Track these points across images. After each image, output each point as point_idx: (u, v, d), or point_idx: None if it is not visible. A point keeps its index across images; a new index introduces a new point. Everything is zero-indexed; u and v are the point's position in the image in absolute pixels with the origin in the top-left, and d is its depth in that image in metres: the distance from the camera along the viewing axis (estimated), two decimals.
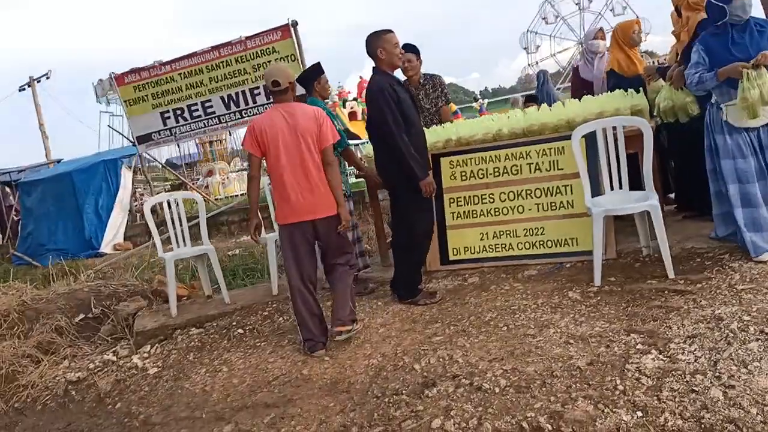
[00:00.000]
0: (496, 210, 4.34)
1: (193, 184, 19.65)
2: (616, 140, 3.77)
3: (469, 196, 4.41)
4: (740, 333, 2.79)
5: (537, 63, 38.83)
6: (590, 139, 3.91)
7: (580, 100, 4.60)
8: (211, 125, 11.03)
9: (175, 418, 3.39)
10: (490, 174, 4.33)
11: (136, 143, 11.49)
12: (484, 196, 4.36)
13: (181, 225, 4.82)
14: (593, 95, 4.96)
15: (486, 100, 30.16)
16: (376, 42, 3.91)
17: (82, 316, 4.90)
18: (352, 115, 20.41)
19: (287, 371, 3.54)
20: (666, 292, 3.41)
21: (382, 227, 4.96)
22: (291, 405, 3.17)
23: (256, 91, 10.38)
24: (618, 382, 2.65)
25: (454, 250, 4.46)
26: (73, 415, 3.78)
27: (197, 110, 10.85)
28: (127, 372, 4.08)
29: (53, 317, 4.78)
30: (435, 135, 4.50)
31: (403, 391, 3.02)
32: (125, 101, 11.22)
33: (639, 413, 2.43)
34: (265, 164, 3.72)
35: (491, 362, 3.06)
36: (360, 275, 4.53)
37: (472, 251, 4.40)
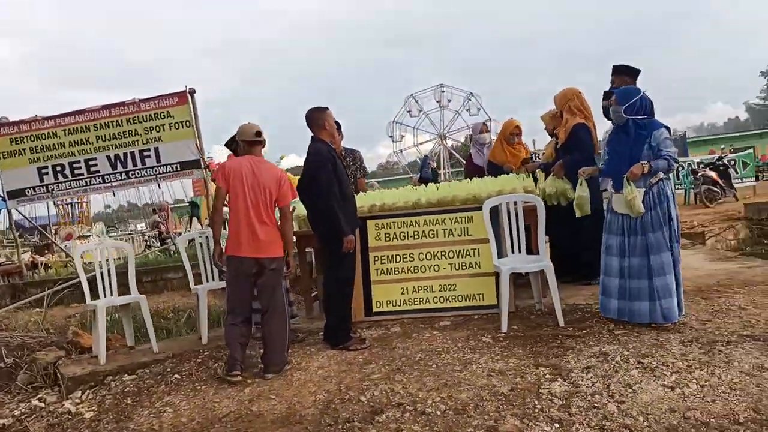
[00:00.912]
0: (416, 267, 4.99)
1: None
2: (516, 213, 4.62)
3: (392, 255, 5.03)
4: (623, 363, 3.58)
5: (401, 151, 41.39)
6: (494, 211, 4.73)
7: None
8: (94, 184, 10.73)
9: None
10: (411, 236, 5.00)
11: (6, 198, 10.88)
12: (404, 255, 5.00)
13: (109, 275, 4.90)
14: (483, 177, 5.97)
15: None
16: (322, 116, 4.55)
17: None
18: None
19: (236, 409, 3.79)
20: (560, 336, 4.18)
21: (308, 282, 5.39)
22: None
23: (146, 153, 10.37)
24: (536, 402, 3.29)
25: (378, 303, 5.01)
26: None
27: (80, 168, 10.55)
28: (59, 417, 4.04)
29: None
30: (362, 200, 5.11)
31: (354, 419, 3.43)
32: None
33: (556, 425, 3.06)
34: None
35: (429, 392, 3.58)
36: (290, 324, 4.90)
37: (394, 304, 4.98)
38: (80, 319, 7.49)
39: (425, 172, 11.77)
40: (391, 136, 40.88)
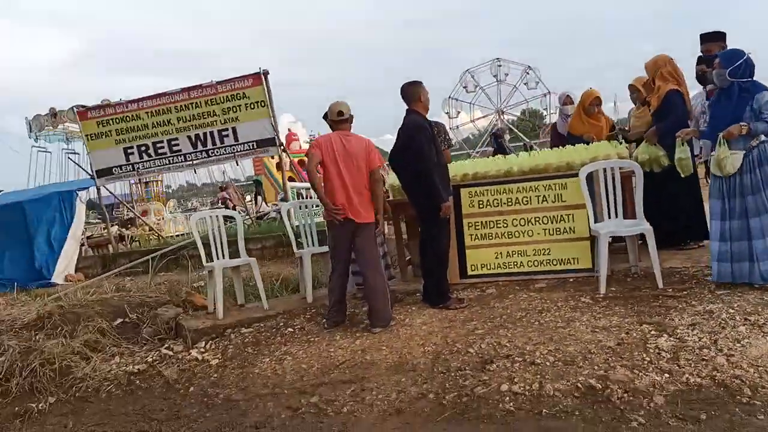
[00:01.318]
0: (509, 233, 5.16)
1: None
2: (613, 178, 4.71)
3: (486, 221, 5.21)
4: (729, 321, 3.68)
5: (458, 127, 41.08)
6: (588, 177, 4.84)
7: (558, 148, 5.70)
8: (176, 162, 11.32)
9: (257, 394, 3.86)
10: (504, 203, 5.16)
11: (95, 177, 11.57)
12: (498, 222, 5.18)
13: (220, 239, 5.29)
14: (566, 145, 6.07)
15: None
16: (418, 89, 4.79)
17: (120, 320, 5.21)
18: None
19: (350, 358, 4.10)
20: (661, 297, 4.29)
21: (402, 247, 5.65)
22: (366, 381, 3.74)
23: (224, 132, 10.86)
24: (644, 355, 3.44)
25: (472, 266, 5.23)
26: (145, 399, 4.13)
27: (163, 147, 11.14)
28: (188, 363, 4.48)
29: (93, 320, 5.06)
30: (454, 169, 5.31)
31: (466, 368, 3.67)
32: (87, 135, 11.40)
33: (666, 375, 3.21)
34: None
35: (536, 345, 3.78)
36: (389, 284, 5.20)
37: (489, 267, 5.19)
38: (179, 283, 8.00)
39: (500, 144, 11.56)
40: (447, 113, 40.66)
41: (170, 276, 8.54)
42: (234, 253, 5.47)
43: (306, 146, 23.42)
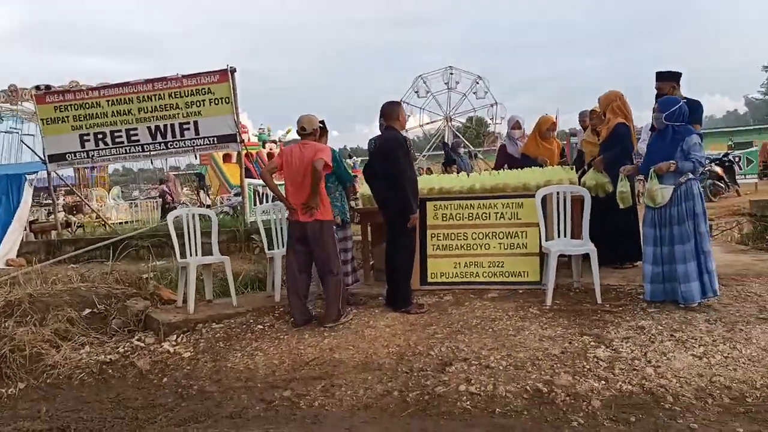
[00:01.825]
0: (468, 245, 5.59)
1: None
2: (564, 202, 5.20)
3: (447, 233, 5.62)
4: (658, 336, 4.20)
5: (406, 131, 41.82)
6: (542, 199, 5.31)
7: (504, 170, 6.37)
8: (133, 152, 11.28)
9: (230, 387, 4.12)
10: (465, 218, 5.59)
11: (47, 161, 11.40)
12: (459, 234, 5.60)
13: (194, 237, 5.49)
14: (516, 167, 6.60)
15: (359, 159, 32.10)
16: (397, 109, 5.22)
17: (88, 310, 5.33)
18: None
19: (319, 355, 4.41)
20: (599, 311, 4.79)
21: (367, 252, 6.00)
22: (335, 378, 4.06)
23: (185, 126, 10.90)
24: (584, 363, 3.90)
25: (432, 274, 5.63)
26: (118, 388, 4.32)
27: (120, 137, 11.08)
28: (160, 355, 4.68)
29: (63, 309, 5.17)
30: (422, 183, 5.70)
31: (427, 369, 4.05)
32: (42, 120, 11.25)
33: (603, 382, 3.68)
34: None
35: (490, 350, 4.19)
36: (350, 289, 5.53)
37: (447, 276, 5.60)
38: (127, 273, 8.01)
39: (449, 155, 11.92)
40: None
41: (118, 266, 8.54)
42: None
43: (254, 139, 23.51)
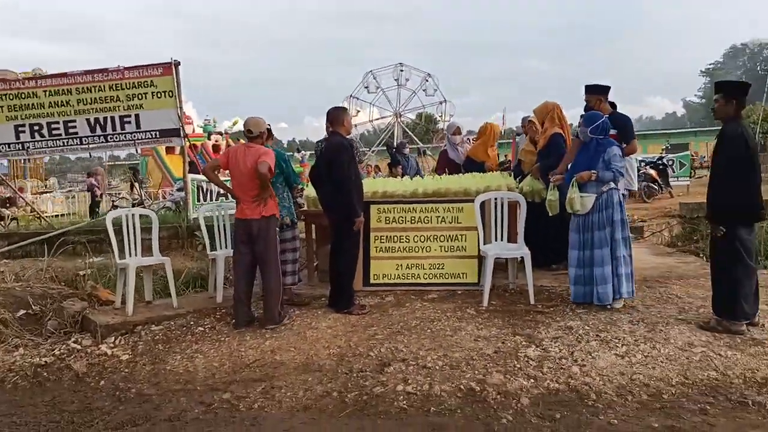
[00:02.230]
0: (410, 248, 5.75)
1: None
2: (502, 207, 5.41)
3: (390, 236, 5.76)
4: (584, 336, 4.43)
5: (356, 125, 41.99)
6: (481, 204, 5.50)
7: (447, 174, 6.58)
8: (71, 145, 10.96)
9: (169, 390, 4.11)
10: (408, 221, 5.75)
11: None
12: (401, 237, 5.75)
13: (134, 237, 5.43)
14: (457, 172, 6.84)
15: (308, 153, 32.01)
16: (342, 114, 5.31)
17: (23, 311, 5.20)
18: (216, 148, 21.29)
19: (260, 357, 4.46)
20: (532, 312, 5.01)
21: (312, 253, 6.07)
22: (275, 380, 4.12)
23: (126, 119, 10.64)
24: (515, 363, 4.09)
25: (375, 275, 5.75)
26: (54, 391, 4.24)
27: (58, 128, 10.72)
28: (98, 358, 4.62)
29: None
30: (367, 186, 5.81)
31: (366, 370, 4.15)
32: None
33: (532, 380, 3.87)
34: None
35: (427, 351, 4.34)
36: (294, 289, 5.60)
37: (389, 277, 5.74)
38: (63, 270, 7.83)
39: (394, 156, 11.95)
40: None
41: (54, 262, 8.32)
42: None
43: (199, 130, 23.12)
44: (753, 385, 3.70)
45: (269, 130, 5.50)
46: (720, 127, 4.49)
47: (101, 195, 17.62)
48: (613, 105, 5.94)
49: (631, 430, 3.26)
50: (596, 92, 5.85)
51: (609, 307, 4.95)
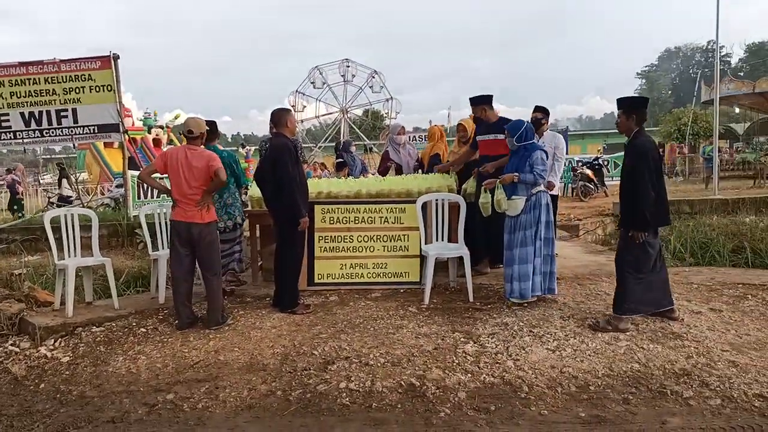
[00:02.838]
0: (354, 248, 5.86)
1: None
2: (443, 208, 5.60)
3: (334, 236, 5.87)
4: (519, 331, 4.66)
5: (302, 121, 41.75)
6: (423, 205, 5.68)
7: (386, 175, 6.73)
8: (3, 139, 10.60)
9: (111, 391, 4.10)
10: (351, 221, 5.87)
11: None
12: (345, 237, 5.86)
13: (73, 237, 5.34)
14: (400, 173, 7.01)
15: (253, 148, 31.77)
16: (286, 115, 5.34)
17: None
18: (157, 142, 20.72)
19: (204, 358, 4.49)
20: (470, 309, 5.22)
21: (256, 253, 6.10)
22: (219, 380, 4.17)
23: (63, 113, 10.39)
24: (454, 358, 4.28)
25: (319, 275, 5.84)
26: None
27: None
28: (37, 360, 4.55)
29: None
30: (311, 186, 5.88)
31: (310, 368, 4.26)
32: None
33: (469, 375, 4.06)
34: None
35: (370, 348, 4.48)
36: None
37: (333, 277, 5.85)
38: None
39: (351, 158, 11.93)
40: (293, 106, 41.13)
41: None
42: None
43: (139, 123, 22.55)
44: (671, 375, 3.99)
45: (215, 127, 5.52)
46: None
47: (23, 192, 16.99)
48: (544, 110, 6.25)
49: (560, 420, 3.48)
50: (480, 103, 6.13)
51: (516, 301, 5.22)
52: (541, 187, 5.21)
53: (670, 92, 71.18)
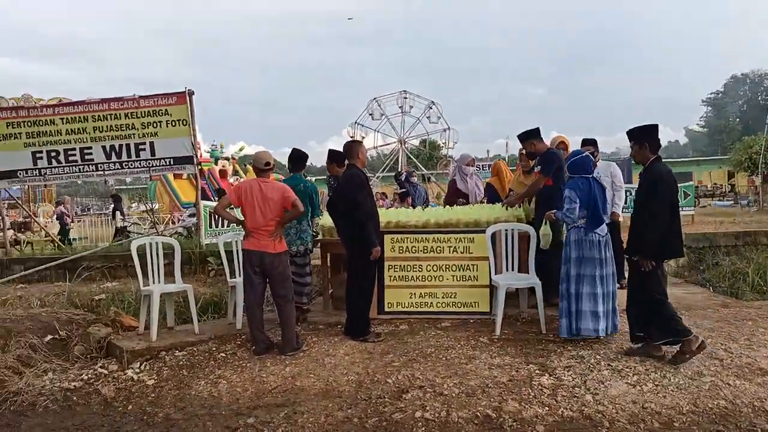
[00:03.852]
0: (423, 277, 5.93)
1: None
2: (512, 238, 5.60)
3: (404, 265, 5.95)
4: (596, 365, 4.58)
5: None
6: (492, 235, 5.69)
7: (455, 205, 6.84)
8: (87, 171, 11.26)
9: (195, 414, 4.26)
10: (420, 251, 5.94)
11: None
12: (415, 266, 5.94)
13: (158, 264, 5.62)
14: (467, 202, 7.06)
15: (313, 178, 32.56)
16: (358, 147, 5.54)
17: (50, 337, 5.37)
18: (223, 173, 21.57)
19: (281, 383, 4.61)
20: (544, 341, 5.16)
21: (327, 281, 6.25)
22: (297, 405, 4.26)
23: (141, 146, 10.96)
24: (530, 391, 4.23)
25: (389, 303, 5.93)
26: (84, 415, 4.40)
27: (74, 155, 11.08)
28: (124, 382, 4.78)
29: (25, 336, 5.20)
30: (381, 216, 5.99)
31: (385, 396, 4.30)
32: None
33: (546, 408, 4.01)
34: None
35: (444, 378, 4.49)
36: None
37: (403, 306, 5.92)
38: (78, 295, 7.99)
39: (402, 185, 12.12)
40: (352, 137, 41.95)
41: (68, 286, 8.49)
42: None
43: (207, 155, 23.47)
44: (762, 413, 3.83)
45: (305, 157, 5.83)
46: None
47: (70, 222, 17.83)
48: (592, 141, 6.28)
49: None
50: (527, 138, 6.09)
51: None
52: (578, 223, 5.00)
53: (738, 119, 68.70)
